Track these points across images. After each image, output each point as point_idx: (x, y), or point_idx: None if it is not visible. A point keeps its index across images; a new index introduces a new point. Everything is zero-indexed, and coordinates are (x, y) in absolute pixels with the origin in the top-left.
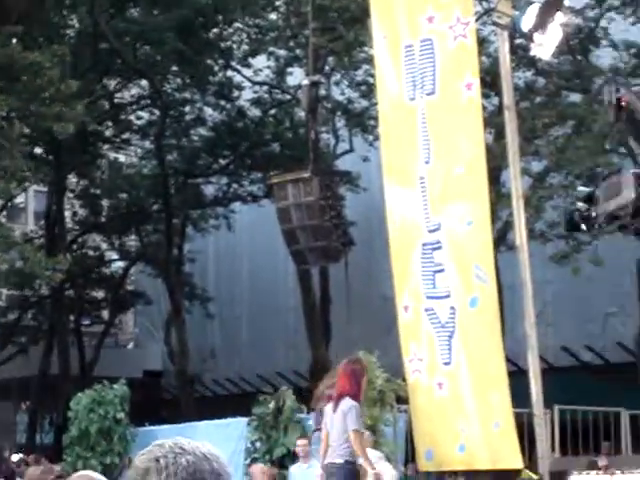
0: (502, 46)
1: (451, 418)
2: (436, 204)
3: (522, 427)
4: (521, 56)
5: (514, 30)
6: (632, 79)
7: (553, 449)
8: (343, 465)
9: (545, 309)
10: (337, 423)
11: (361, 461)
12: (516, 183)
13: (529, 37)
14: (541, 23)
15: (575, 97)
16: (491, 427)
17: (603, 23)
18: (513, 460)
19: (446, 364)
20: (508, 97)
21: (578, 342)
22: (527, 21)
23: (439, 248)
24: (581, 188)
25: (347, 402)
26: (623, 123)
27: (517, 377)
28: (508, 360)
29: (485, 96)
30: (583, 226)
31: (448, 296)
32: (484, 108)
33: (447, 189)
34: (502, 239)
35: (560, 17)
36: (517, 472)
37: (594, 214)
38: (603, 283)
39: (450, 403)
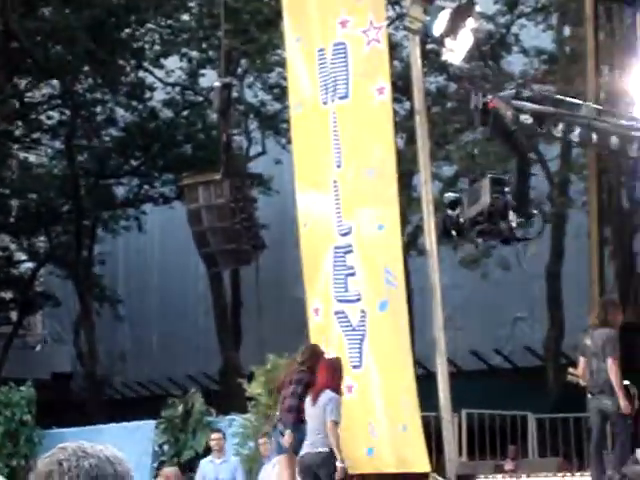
0: (413, 51)
1: (360, 421)
2: (347, 208)
3: (430, 430)
4: (433, 61)
5: (425, 35)
6: (542, 85)
7: (460, 452)
8: (329, 453)
9: (454, 313)
10: (316, 415)
11: (336, 450)
12: (426, 187)
13: (440, 42)
14: (452, 28)
15: None
16: (399, 430)
17: (514, 29)
18: (420, 463)
19: (356, 367)
20: (419, 102)
21: (487, 346)
22: (438, 26)
23: (350, 252)
24: (448, 194)
25: (328, 394)
26: (489, 128)
27: (426, 381)
28: (417, 364)
29: (397, 101)
30: (454, 232)
31: (359, 299)
32: (396, 113)
33: (358, 193)
34: (413, 243)
35: (471, 23)
36: (424, 475)
37: (462, 220)
38: (512, 288)
39: (359, 406)
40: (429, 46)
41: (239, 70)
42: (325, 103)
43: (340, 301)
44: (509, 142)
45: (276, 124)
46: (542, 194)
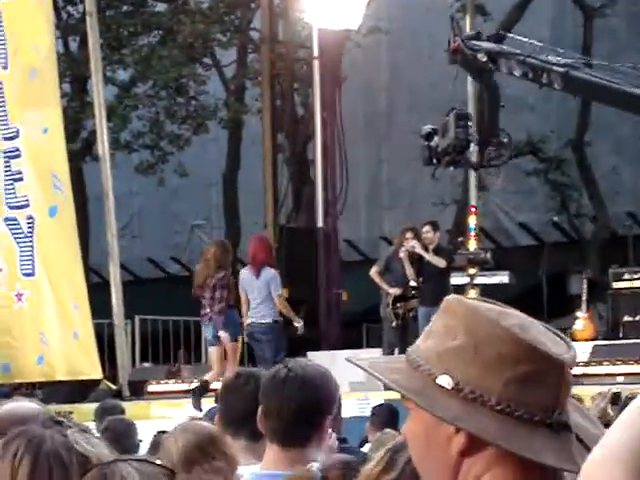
0: None
1: (30, 330)
2: (14, 110)
3: (103, 338)
4: None
5: None
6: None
7: (134, 359)
8: (272, 324)
9: (131, 221)
10: (259, 288)
11: (291, 315)
12: (98, 92)
13: None
14: None
15: (161, 7)
16: (70, 338)
17: None
18: (92, 370)
19: (28, 275)
20: (90, 4)
21: (164, 254)
22: None
23: (18, 156)
24: (425, 127)
25: (269, 271)
26: (459, 64)
27: (102, 288)
28: (93, 271)
29: (71, 3)
30: (434, 160)
31: (28, 205)
32: (70, 15)
33: (23, 95)
34: (88, 149)
35: None
36: (96, 382)
37: (439, 149)
38: (189, 195)
39: (30, 314)
40: None
41: None
42: None
43: (11, 207)
44: (480, 79)
45: None
46: (219, 100)
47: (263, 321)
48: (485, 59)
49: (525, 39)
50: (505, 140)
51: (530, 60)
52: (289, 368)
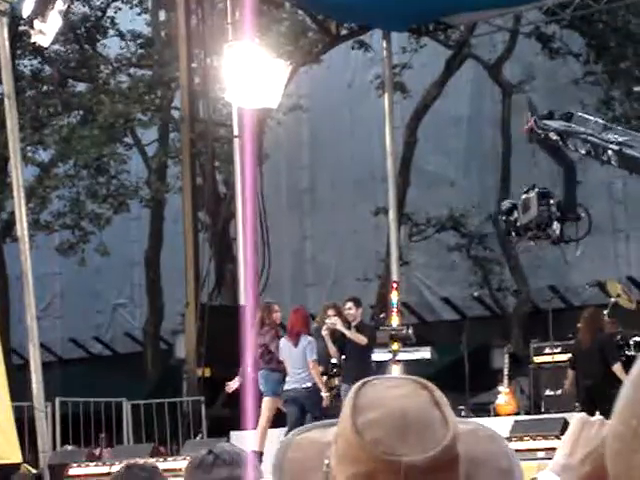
0: (0, 33)
1: None
2: None
3: (24, 420)
4: (27, 43)
5: (15, 16)
6: (138, 69)
7: (55, 442)
8: (313, 387)
9: (53, 301)
10: (298, 356)
11: (319, 383)
12: (17, 173)
13: (30, 24)
14: (41, 10)
15: (82, 86)
16: None
17: (110, 12)
18: (11, 454)
19: None
20: (8, 85)
21: (87, 334)
22: (27, 7)
23: None
24: (504, 202)
25: (306, 338)
26: (535, 143)
27: (24, 369)
28: (15, 353)
29: None
30: (513, 234)
31: None
32: None
33: None
34: (9, 230)
35: (60, 4)
36: (16, 466)
37: (519, 224)
38: (112, 274)
39: None
40: (24, 28)
41: None
42: None
43: None
44: (556, 155)
45: None
46: (140, 179)
47: (304, 385)
48: (555, 137)
49: (590, 117)
50: (583, 215)
51: (591, 138)
52: (216, 454)
